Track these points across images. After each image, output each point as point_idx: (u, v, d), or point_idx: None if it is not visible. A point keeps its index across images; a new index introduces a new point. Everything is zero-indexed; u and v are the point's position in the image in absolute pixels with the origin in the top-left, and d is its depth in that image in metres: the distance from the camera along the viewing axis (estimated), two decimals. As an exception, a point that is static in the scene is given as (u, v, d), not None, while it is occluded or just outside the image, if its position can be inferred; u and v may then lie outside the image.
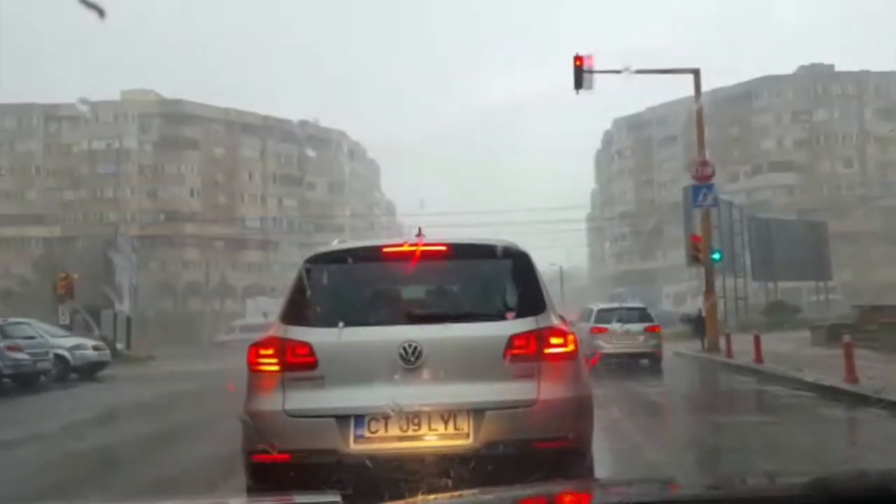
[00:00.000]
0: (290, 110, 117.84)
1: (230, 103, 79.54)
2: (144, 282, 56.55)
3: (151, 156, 77.81)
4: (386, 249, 4.75)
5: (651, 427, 9.80)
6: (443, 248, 4.66)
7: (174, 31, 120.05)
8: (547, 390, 4.29)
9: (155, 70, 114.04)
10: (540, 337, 4.37)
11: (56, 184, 76.68)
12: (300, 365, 4.32)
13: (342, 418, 4.20)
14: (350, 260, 4.75)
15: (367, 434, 4.20)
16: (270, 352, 4.39)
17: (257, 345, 4.46)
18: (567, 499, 2.01)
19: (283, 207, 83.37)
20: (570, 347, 4.45)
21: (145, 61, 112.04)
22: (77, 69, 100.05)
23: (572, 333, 4.55)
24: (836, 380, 11.66)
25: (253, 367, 4.43)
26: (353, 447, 4.18)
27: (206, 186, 78.74)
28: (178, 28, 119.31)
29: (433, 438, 4.21)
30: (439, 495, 2.08)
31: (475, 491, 2.06)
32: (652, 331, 19.26)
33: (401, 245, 4.71)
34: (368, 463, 4.08)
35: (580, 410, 4.44)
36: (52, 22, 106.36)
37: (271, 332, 4.47)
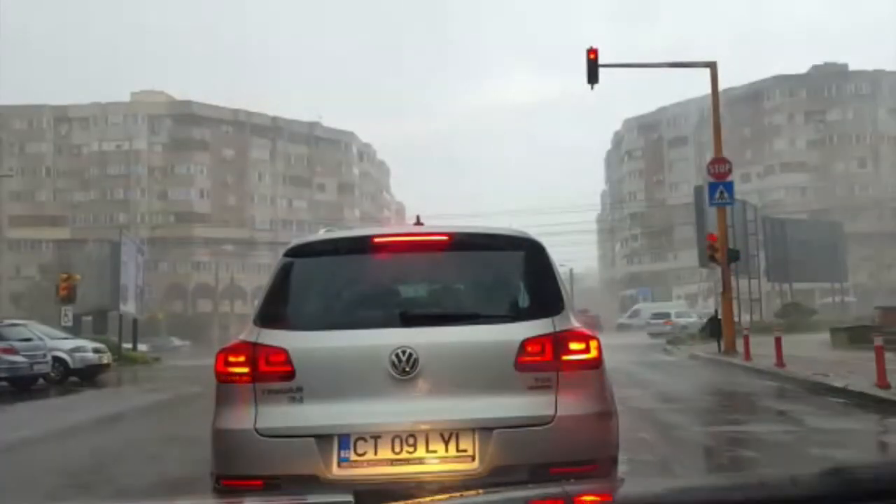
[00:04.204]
0: (300, 111, 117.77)
1: (240, 105, 79.61)
2: (154, 284, 56.58)
3: (161, 157, 77.89)
4: (377, 239, 4.11)
5: (671, 438, 8.98)
6: (443, 237, 4.05)
7: (184, 32, 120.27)
8: (566, 405, 3.72)
9: (165, 71, 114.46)
10: (557, 342, 3.78)
11: (66, 185, 76.82)
12: (275, 375, 3.74)
13: (323, 438, 3.64)
14: (336, 252, 4.14)
15: (352, 457, 3.63)
16: (241, 359, 3.79)
17: (226, 351, 3.88)
18: (585, 499, 1.78)
19: (293, 209, 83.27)
20: (593, 354, 3.86)
21: (155, 62, 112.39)
22: (87, 71, 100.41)
23: (595, 338, 3.92)
24: (867, 385, 11.20)
25: (221, 378, 3.84)
26: (337, 472, 3.61)
27: (215, 188, 78.77)
28: (189, 29, 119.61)
29: (432, 462, 3.64)
30: (451, 495, 1.83)
31: (486, 491, 1.81)
32: None
33: (395, 234, 4.19)
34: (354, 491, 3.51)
35: (605, 429, 3.85)
36: (61, 23, 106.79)
37: (242, 336, 3.89)
